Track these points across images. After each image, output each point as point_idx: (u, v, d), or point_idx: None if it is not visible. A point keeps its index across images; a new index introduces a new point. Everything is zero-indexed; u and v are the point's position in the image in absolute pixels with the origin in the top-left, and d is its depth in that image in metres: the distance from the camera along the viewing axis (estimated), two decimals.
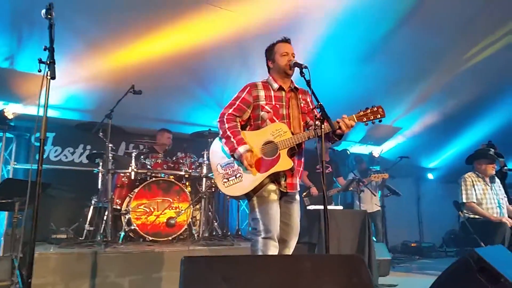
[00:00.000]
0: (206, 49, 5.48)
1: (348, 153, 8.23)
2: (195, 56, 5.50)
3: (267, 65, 3.03)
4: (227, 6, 4.99)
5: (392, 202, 7.06)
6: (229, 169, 2.73)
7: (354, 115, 2.78)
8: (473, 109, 7.78)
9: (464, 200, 5.08)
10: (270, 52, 2.99)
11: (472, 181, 5.13)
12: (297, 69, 2.81)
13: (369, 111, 2.79)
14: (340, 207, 5.14)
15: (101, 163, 4.85)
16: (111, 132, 4.48)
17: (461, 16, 5.65)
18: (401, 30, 5.75)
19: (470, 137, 8.62)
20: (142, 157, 5.01)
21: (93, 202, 4.81)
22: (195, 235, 4.75)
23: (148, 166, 4.90)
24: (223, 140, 2.78)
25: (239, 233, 5.60)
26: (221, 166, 2.77)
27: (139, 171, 4.78)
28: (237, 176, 2.69)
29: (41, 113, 2.16)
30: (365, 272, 1.77)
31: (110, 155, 4.55)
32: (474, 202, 5.02)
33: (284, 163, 2.69)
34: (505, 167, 6.03)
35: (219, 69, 5.90)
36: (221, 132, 2.80)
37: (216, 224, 5.17)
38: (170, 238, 4.52)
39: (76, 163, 6.18)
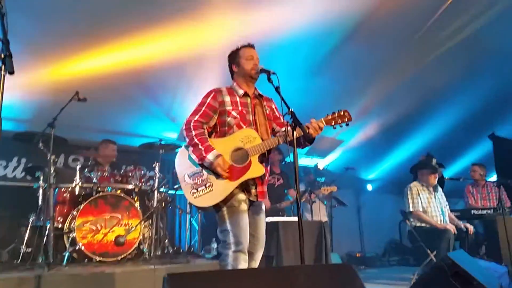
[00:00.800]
0: (155, 59, 5.29)
1: None
2: (143, 65, 5.31)
3: (231, 70, 2.93)
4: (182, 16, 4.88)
5: (334, 213, 7.18)
6: (197, 179, 2.57)
7: (322, 118, 2.78)
8: (410, 122, 8.19)
9: (411, 209, 5.27)
10: (234, 57, 2.90)
11: (418, 190, 5.35)
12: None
13: (336, 115, 2.82)
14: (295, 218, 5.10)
15: (41, 177, 4.42)
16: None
17: (400, 33, 5.98)
18: (344, 47, 5.98)
19: (406, 150, 9.07)
20: (86, 170, 4.65)
21: (30, 220, 4.35)
22: (146, 253, 4.46)
23: (94, 180, 4.54)
24: (190, 148, 2.63)
25: (192, 250, 5.36)
26: (188, 176, 2.60)
27: (84, 185, 4.43)
28: (207, 185, 2.54)
29: None
30: (358, 282, 1.71)
31: (52, 168, 4.16)
32: (420, 211, 5.22)
33: (256, 169, 2.60)
34: (443, 177, 6.40)
35: (168, 79, 5.69)
36: (187, 140, 2.66)
37: (166, 241, 4.91)
38: (119, 258, 4.19)
39: (10, 178, 5.58)
